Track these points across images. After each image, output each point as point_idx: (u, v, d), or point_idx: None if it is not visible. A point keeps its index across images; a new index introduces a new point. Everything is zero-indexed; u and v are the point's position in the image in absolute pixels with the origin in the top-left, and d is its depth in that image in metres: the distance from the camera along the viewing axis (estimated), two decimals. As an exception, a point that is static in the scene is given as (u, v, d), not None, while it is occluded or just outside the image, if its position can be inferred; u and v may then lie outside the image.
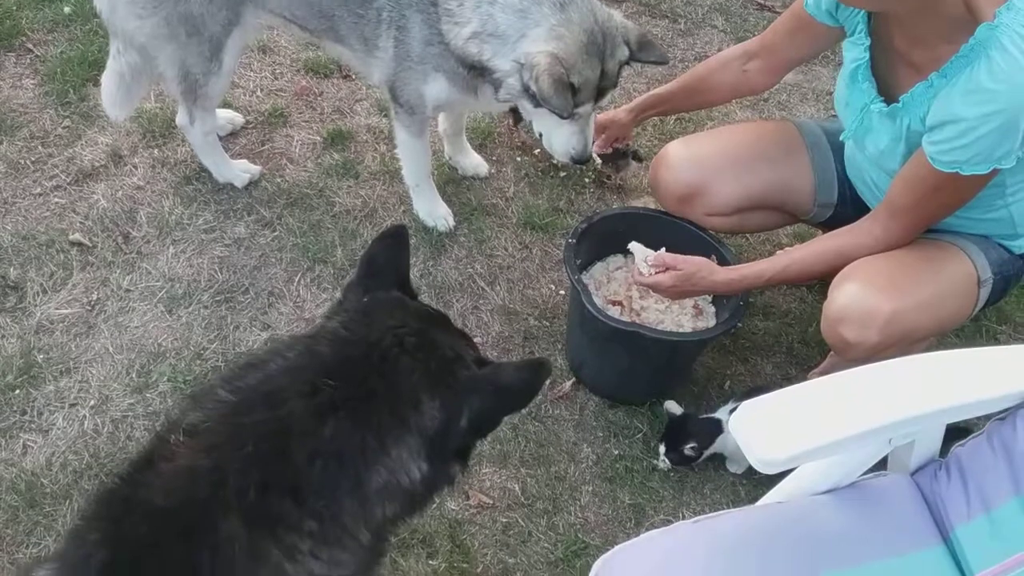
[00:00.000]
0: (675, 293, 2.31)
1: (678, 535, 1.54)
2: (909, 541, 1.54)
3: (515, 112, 2.96)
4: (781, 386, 2.49)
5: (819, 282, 2.82)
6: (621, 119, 2.65)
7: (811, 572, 1.46)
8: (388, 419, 1.35)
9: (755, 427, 1.38)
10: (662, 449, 2.30)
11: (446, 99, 2.49)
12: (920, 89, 1.96)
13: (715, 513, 1.57)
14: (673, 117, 3.29)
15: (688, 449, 2.25)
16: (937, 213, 2.09)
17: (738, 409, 1.41)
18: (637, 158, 3.00)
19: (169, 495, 1.27)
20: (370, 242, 1.60)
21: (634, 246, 2.34)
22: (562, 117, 2.30)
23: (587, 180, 3.08)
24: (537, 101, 2.27)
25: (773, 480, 2.33)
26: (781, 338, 2.70)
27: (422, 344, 1.41)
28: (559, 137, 2.41)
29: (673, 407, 2.35)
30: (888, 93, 2.07)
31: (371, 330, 1.42)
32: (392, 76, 2.48)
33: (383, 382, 1.36)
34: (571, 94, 2.25)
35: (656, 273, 2.26)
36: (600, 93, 2.35)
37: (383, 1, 2.37)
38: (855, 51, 2.11)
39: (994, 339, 2.76)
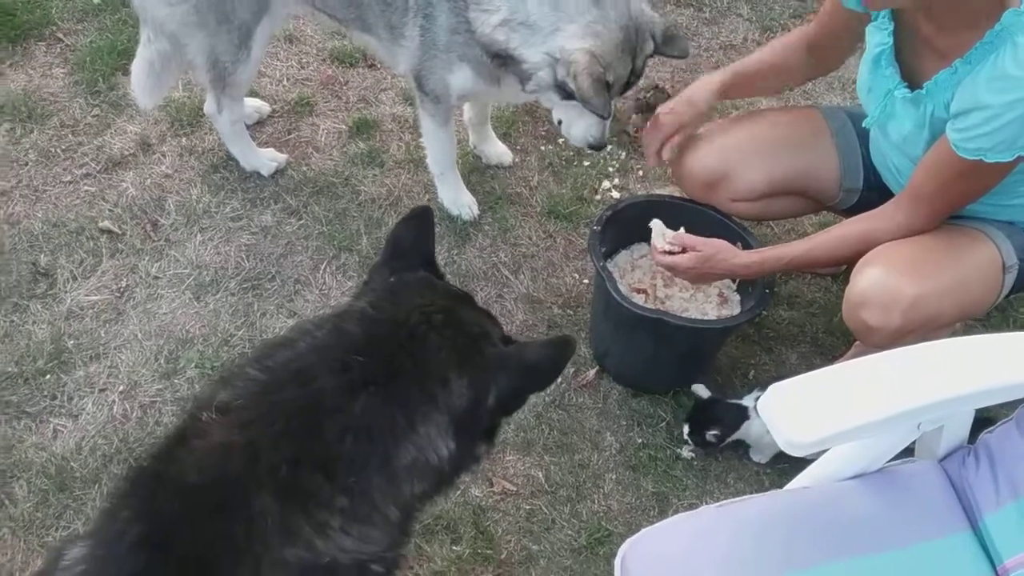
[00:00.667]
0: (694, 275, 2.29)
1: (703, 519, 1.55)
2: (937, 528, 1.54)
3: None
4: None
5: (844, 271, 2.81)
6: (700, 107, 2.44)
7: (837, 557, 1.46)
8: (417, 396, 1.36)
9: (783, 409, 1.37)
10: (686, 429, 2.31)
11: (471, 88, 2.50)
12: (944, 76, 1.94)
13: (741, 497, 1.57)
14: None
15: (710, 436, 2.25)
16: (960, 200, 2.08)
17: (767, 391, 1.40)
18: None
19: (202, 472, 1.29)
20: (395, 224, 1.61)
21: (655, 223, 2.32)
22: (603, 117, 2.29)
23: (611, 170, 3.08)
24: (566, 94, 2.27)
25: (798, 469, 2.34)
26: (806, 328, 2.69)
27: (449, 322, 1.42)
28: (579, 126, 2.41)
29: (701, 390, 2.35)
30: (911, 79, 2.06)
31: (398, 308, 1.43)
32: (418, 65, 2.49)
33: (411, 359, 1.37)
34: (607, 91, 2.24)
35: (676, 254, 2.25)
36: (626, 87, 2.35)
37: (410, -12, 2.37)
38: (878, 36, 2.10)
39: (1023, 329, 2.74)
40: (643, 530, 1.53)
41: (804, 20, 3.75)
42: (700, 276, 2.30)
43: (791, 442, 1.36)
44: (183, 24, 2.49)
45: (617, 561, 1.48)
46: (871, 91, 2.15)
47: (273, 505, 1.27)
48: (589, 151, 2.61)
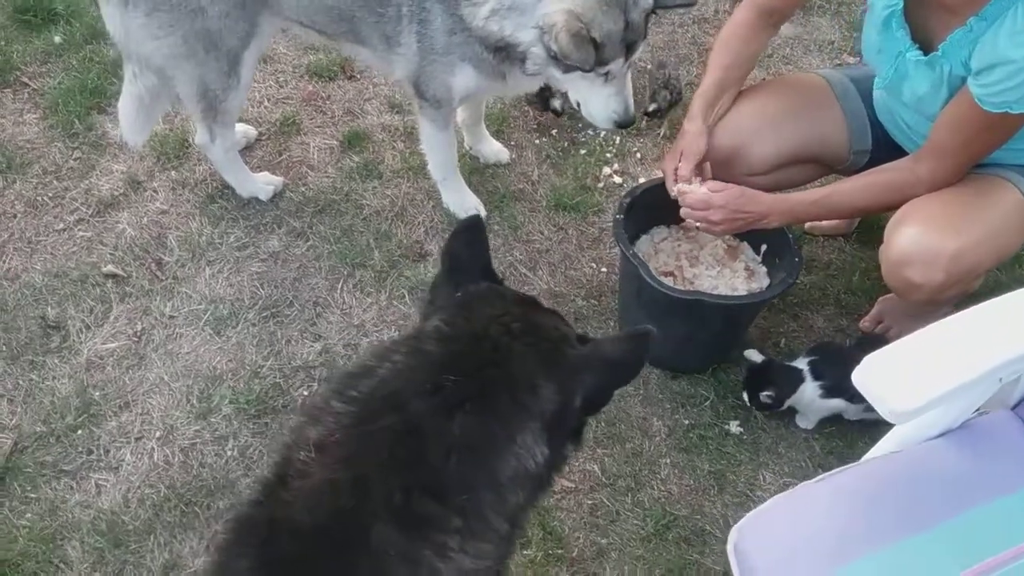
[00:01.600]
0: (729, 214, 2.21)
1: (803, 496, 1.55)
2: (1025, 474, 1.56)
3: (542, 95, 2.98)
4: (835, 338, 2.55)
5: (855, 230, 2.84)
6: (705, 147, 2.36)
7: (940, 516, 1.47)
8: (510, 407, 1.34)
9: (882, 380, 1.38)
10: (746, 395, 2.33)
11: (475, 87, 2.47)
12: (959, 35, 1.96)
13: (836, 470, 1.58)
14: (684, 82, 3.30)
15: (765, 396, 2.27)
16: (983, 151, 2.11)
17: (861, 364, 1.41)
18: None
19: (314, 511, 1.26)
20: (447, 238, 1.58)
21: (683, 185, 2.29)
22: (584, 70, 2.24)
23: (608, 155, 3.07)
24: (565, 65, 2.24)
25: (843, 434, 2.38)
26: (828, 291, 2.71)
27: (528, 329, 1.41)
28: (597, 102, 2.37)
29: (754, 355, 2.35)
30: (923, 38, 2.07)
31: (474, 323, 1.41)
32: (417, 71, 2.45)
33: (499, 371, 1.35)
34: (593, 49, 2.20)
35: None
36: (629, 47, 2.28)
37: (403, -4, 2.33)
38: None
39: (1026, 266, 2.80)
40: (747, 515, 1.53)
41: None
42: (735, 216, 2.22)
43: (896, 411, 1.37)
44: (171, 56, 2.42)
45: (730, 549, 1.48)
46: (881, 52, 2.16)
47: (394, 535, 1.25)
48: (617, 130, 2.58)
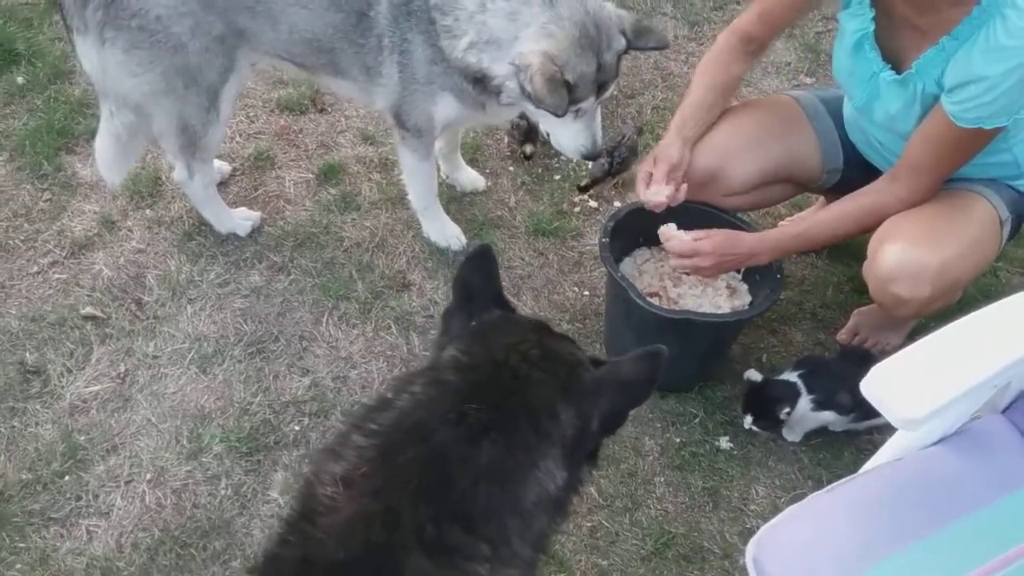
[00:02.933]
0: (715, 260, 2.28)
1: (814, 506, 1.58)
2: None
3: (523, 131, 3.01)
4: (814, 351, 2.60)
5: (826, 249, 2.92)
6: (678, 155, 2.39)
7: (949, 518, 1.52)
8: (533, 434, 1.35)
9: (892, 389, 1.42)
10: (748, 419, 2.35)
11: (455, 117, 2.49)
12: (932, 53, 2.04)
13: (845, 479, 1.61)
14: (650, 107, 3.38)
15: (783, 414, 2.28)
16: (956, 166, 2.18)
17: (869, 375, 1.45)
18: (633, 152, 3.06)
19: (347, 546, 1.25)
20: (458, 267, 1.59)
21: (665, 228, 2.35)
22: (557, 115, 2.28)
23: (583, 181, 3.11)
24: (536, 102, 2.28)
25: (830, 445, 2.43)
26: (804, 305, 2.77)
27: (545, 355, 1.42)
28: (566, 135, 2.42)
29: (753, 375, 2.39)
30: (894, 59, 2.15)
31: (492, 351, 1.42)
32: (398, 101, 2.47)
33: (520, 398, 1.36)
34: (567, 91, 2.24)
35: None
36: (601, 87, 2.34)
37: (383, 27, 2.35)
38: (856, 22, 2.17)
39: (994, 275, 2.89)
40: (762, 529, 1.55)
41: (726, 11, 3.88)
42: (720, 260, 2.28)
43: (906, 419, 1.41)
44: (150, 93, 2.40)
45: (748, 562, 1.51)
46: (853, 75, 2.23)
47: (427, 565, 1.25)
48: (584, 160, 2.63)
